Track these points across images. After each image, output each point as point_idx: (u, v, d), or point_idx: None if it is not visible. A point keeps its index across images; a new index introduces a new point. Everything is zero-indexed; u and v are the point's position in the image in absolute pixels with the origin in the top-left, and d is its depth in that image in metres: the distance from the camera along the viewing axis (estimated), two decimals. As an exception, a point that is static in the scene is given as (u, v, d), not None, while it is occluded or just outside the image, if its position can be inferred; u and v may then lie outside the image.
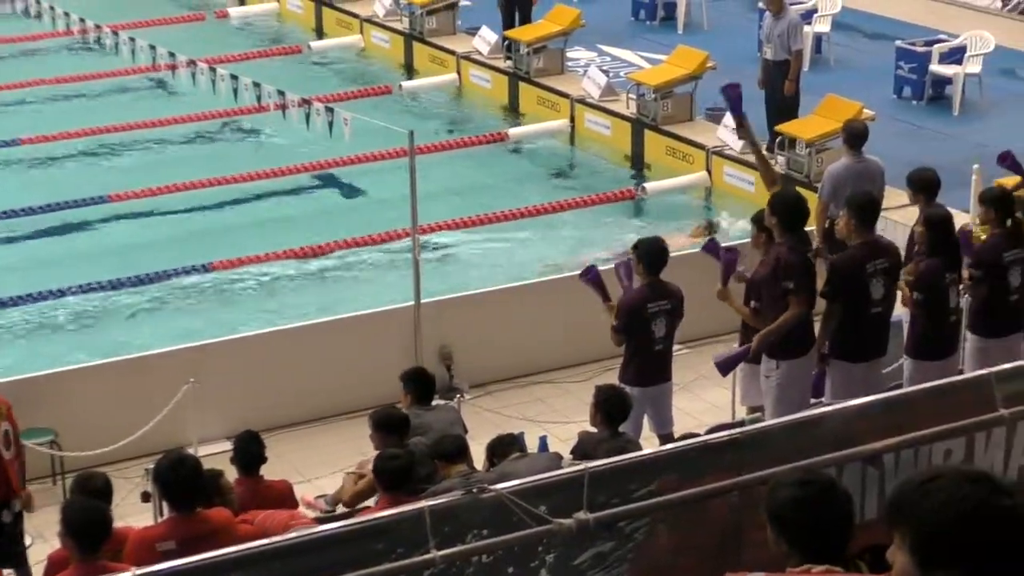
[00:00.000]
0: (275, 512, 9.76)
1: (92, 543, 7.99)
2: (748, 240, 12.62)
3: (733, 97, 12.95)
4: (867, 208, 11.75)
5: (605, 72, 21.89)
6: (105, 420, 12.99)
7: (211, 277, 17.12)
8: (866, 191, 12.69)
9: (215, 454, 12.09)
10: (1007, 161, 13.73)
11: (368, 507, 10.38)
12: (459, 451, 10.34)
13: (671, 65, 20.88)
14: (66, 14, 23.03)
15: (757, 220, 12.03)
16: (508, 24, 23.18)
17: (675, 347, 12.31)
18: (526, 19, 23.26)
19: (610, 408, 10.63)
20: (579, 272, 12.35)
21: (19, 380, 13.23)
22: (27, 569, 10.21)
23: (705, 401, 13.59)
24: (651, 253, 11.89)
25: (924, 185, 12.73)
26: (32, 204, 18.73)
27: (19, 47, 25.33)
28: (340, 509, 11.24)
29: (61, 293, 16.56)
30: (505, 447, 10.51)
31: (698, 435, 9.64)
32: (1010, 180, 13.76)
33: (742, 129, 13.04)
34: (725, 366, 11.96)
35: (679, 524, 8.05)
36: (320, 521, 10.79)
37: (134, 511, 10.81)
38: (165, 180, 19.34)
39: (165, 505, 8.93)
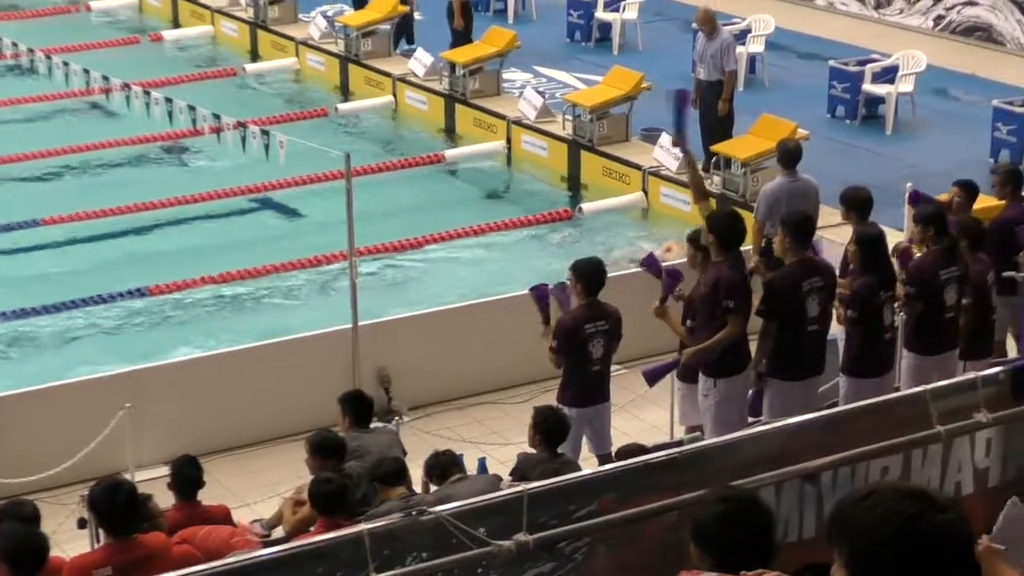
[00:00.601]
0: (216, 528, 9.72)
1: (28, 570, 7.93)
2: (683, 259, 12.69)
3: (679, 101, 12.84)
4: (802, 227, 11.83)
5: (541, 93, 21.94)
6: (40, 446, 12.88)
7: (147, 301, 17.03)
8: (801, 210, 12.77)
9: (152, 479, 12.00)
10: (916, 199, 13.94)
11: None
12: (398, 474, 10.33)
13: (607, 86, 20.96)
14: (-2, 38, 22.89)
15: (693, 239, 12.09)
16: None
17: (613, 367, 12.32)
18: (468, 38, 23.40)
19: (548, 429, 10.62)
20: (529, 288, 12.34)
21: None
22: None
23: (644, 421, 13.61)
24: (588, 274, 11.91)
25: (857, 203, 12.82)
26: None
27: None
28: (276, 533, 11.17)
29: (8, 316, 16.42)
30: (444, 467, 10.49)
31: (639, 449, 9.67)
32: (943, 196, 13.87)
33: (680, 135, 13.04)
34: (652, 376, 12.05)
35: (619, 544, 8.07)
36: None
37: (70, 538, 10.71)
38: (99, 204, 19.22)
39: (101, 532, 8.87)
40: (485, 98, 22.28)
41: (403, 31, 24.81)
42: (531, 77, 23.78)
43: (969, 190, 13.65)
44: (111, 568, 8.35)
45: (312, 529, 10.01)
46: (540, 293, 12.03)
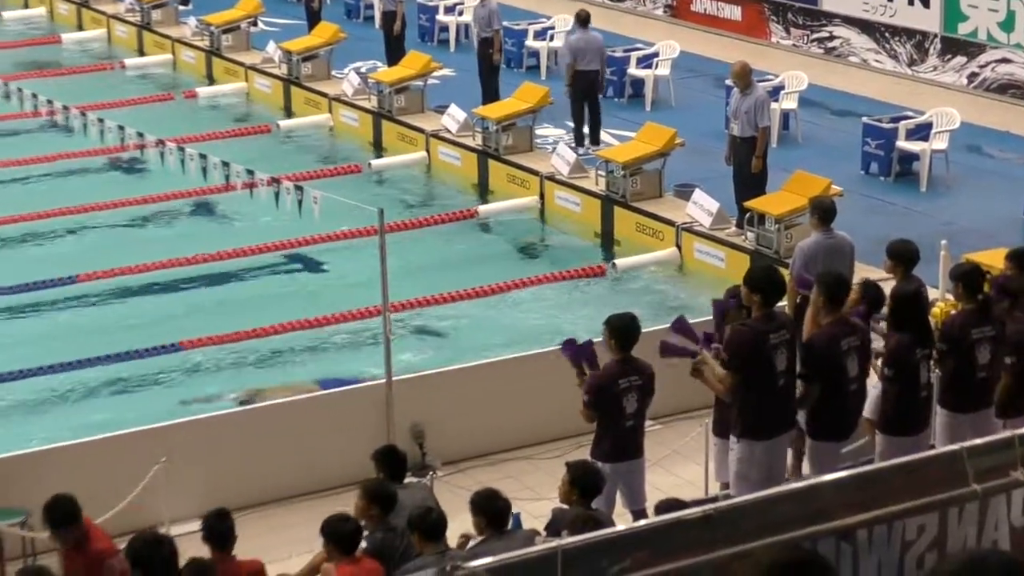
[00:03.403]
0: None
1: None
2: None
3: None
4: (837, 287, 11.79)
5: (574, 149, 22.00)
6: (77, 500, 12.87)
7: (181, 356, 17.07)
8: (836, 270, 12.67)
9: (186, 534, 11.99)
10: None
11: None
12: (441, 528, 10.28)
13: (640, 142, 21.00)
14: (34, 95, 23.07)
15: (735, 295, 12.05)
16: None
17: (647, 423, 12.30)
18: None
19: (583, 484, 10.60)
20: (560, 344, 12.31)
21: (-9, 461, 13.19)
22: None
23: (678, 477, 13.57)
24: (622, 329, 11.89)
25: (905, 257, 12.72)
26: (2, 285, 18.68)
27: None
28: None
29: (30, 373, 16.48)
30: (499, 513, 10.35)
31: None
32: (980, 256, 13.79)
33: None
34: (666, 348, 11.73)
35: (653, 601, 8.02)
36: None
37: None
38: (134, 260, 19.32)
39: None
40: (518, 154, 22.35)
41: None
42: (564, 133, 23.85)
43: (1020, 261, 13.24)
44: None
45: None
46: (571, 350, 11.99)
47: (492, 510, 10.24)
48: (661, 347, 11.72)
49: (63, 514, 10.00)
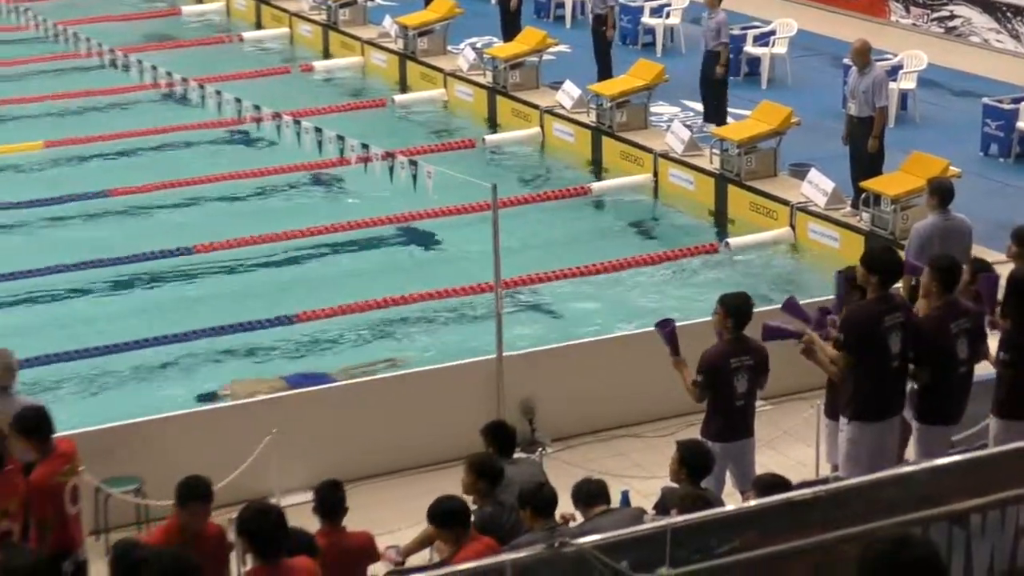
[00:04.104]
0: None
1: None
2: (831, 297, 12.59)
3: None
4: (949, 271, 11.66)
5: (688, 127, 21.90)
6: (190, 469, 12.98)
7: (295, 328, 17.22)
8: (948, 254, 12.45)
9: (296, 504, 12.10)
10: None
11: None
12: (553, 505, 10.29)
13: (755, 120, 20.88)
14: (153, 68, 23.32)
15: (851, 278, 11.93)
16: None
17: (758, 403, 12.24)
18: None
19: (693, 463, 10.57)
20: (656, 323, 12.27)
21: (107, 428, 13.36)
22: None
23: (789, 458, 13.49)
24: (736, 308, 11.85)
25: None
26: (120, 255, 18.91)
27: (108, 100, 25.66)
28: (411, 561, 11.25)
29: (145, 343, 16.68)
30: (590, 495, 10.43)
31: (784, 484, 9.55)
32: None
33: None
34: (768, 330, 11.66)
35: (762, 582, 7.98)
36: (394, 574, 10.82)
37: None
38: (249, 232, 19.50)
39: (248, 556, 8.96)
40: (632, 131, 22.28)
41: None
42: (678, 111, 23.75)
43: None
44: (263, 592, 8.45)
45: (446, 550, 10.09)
46: (667, 329, 11.93)
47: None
48: (764, 330, 11.68)
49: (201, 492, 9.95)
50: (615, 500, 11.70)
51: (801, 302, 12.39)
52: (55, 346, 16.47)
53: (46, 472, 10.50)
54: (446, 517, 9.94)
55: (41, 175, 22.56)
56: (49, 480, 10.49)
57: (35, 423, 10.58)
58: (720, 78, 22.54)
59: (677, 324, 12.09)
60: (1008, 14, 26.50)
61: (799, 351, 11.69)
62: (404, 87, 26.58)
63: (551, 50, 25.25)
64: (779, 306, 12.65)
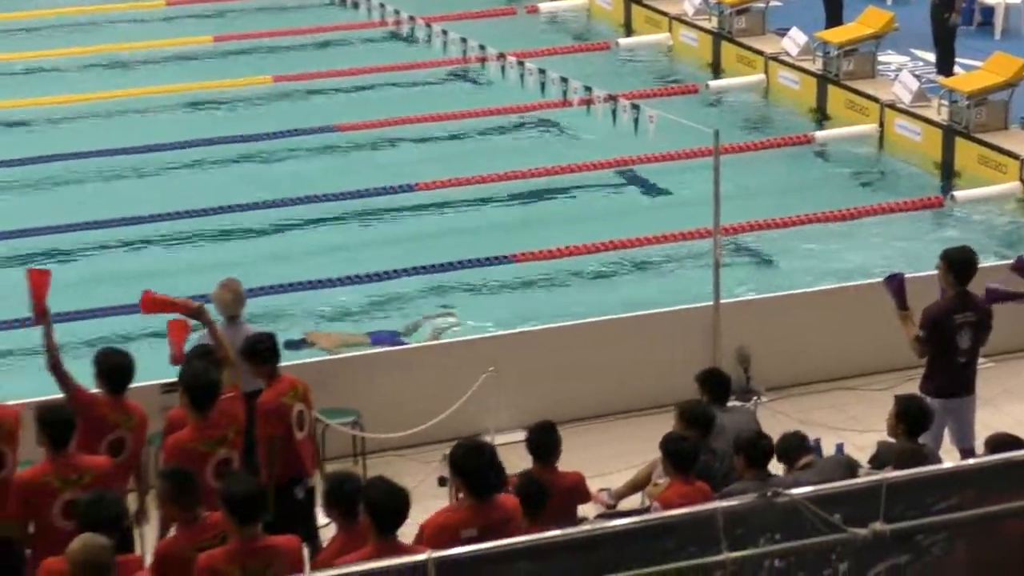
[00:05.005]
0: None
1: (392, 523, 8.19)
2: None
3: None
4: (960, 264, 11.74)
5: (917, 77, 21.49)
6: (406, 404, 13.24)
7: (513, 268, 17.32)
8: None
9: (509, 443, 12.21)
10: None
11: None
12: (769, 456, 10.28)
13: (986, 72, 20.40)
14: (382, 5, 23.54)
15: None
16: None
17: (980, 360, 12.04)
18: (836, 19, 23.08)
19: (911, 419, 10.45)
20: (884, 277, 12.14)
21: (327, 361, 13.67)
22: (319, 544, 10.49)
23: (1010, 416, 13.23)
24: (960, 263, 11.69)
25: None
26: (345, 189, 19.19)
27: (333, 36, 25.98)
28: (622, 505, 11.31)
29: (366, 278, 16.92)
30: (791, 449, 10.43)
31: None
32: None
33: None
34: (991, 295, 11.79)
35: (977, 541, 7.88)
36: (604, 516, 10.88)
37: (428, 495, 10.99)
38: (472, 171, 19.63)
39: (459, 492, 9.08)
40: (859, 80, 21.93)
41: None
42: (907, 60, 23.31)
43: None
44: (476, 529, 8.56)
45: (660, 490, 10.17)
46: (895, 282, 11.79)
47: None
48: (986, 293, 11.63)
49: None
50: (829, 452, 11.66)
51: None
52: (272, 279, 16.71)
53: (272, 394, 10.91)
54: (679, 457, 10.03)
55: (269, 108, 22.96)
56: (275, 401, 10.85)
57: (265, 349, 10.97)
58: (953, 24, 22.07)
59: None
60: None
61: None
62: (629, 31, 26.46)
63: (779, -4, 24.98)
64: (1009, 263, 12.44)
